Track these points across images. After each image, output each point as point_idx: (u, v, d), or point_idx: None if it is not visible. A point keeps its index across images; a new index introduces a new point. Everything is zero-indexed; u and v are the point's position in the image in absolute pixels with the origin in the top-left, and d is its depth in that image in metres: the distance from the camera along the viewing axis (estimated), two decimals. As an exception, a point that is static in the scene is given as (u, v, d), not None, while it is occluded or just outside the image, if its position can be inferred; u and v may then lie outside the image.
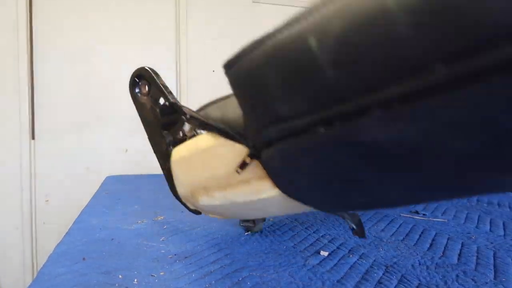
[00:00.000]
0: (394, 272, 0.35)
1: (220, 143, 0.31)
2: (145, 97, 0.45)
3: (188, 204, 0.38)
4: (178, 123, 0.43)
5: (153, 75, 0.44)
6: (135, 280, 0.33)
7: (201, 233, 0.47)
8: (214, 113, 0.34)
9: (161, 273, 0.35)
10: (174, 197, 0.43)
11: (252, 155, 0.28)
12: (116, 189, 0.79)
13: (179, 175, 0.36)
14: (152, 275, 0.34)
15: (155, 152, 0.45)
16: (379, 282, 0.33)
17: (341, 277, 0.34)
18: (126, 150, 1.82)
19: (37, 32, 1.69)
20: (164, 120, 0.44)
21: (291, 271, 0.35)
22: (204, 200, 0.34)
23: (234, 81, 0.25)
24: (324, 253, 0.40)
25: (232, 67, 0.24)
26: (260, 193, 0.30)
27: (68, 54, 1.73)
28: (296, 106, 0.20)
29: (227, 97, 0.37)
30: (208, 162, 0.32)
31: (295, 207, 0.31)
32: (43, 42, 1.70)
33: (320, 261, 0.38)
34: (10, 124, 1.66)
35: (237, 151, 0.29)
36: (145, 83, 0.45)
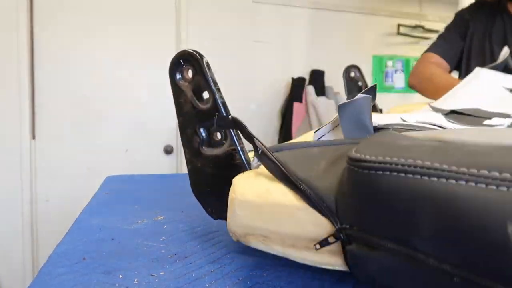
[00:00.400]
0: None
1: (301, 207, 0.29)
2: (186, 84, 0.40)
3: (232, 236, 0.35)
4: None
5: (205, 66, 0.38)
6: (135, 280, 0.34)
7: (201, 233, 0.47)
8: (294, 164, 0.30)
9: (161, 273, 0.35)
10: (193, 196, 0.42)
11: (338, 238, 0.26)
12: (116, 189, 0.79)
13: (240, 215, 0.33)
14: (152, 275, 0.34)
15: (184, 145, 0.41)
16: (379, 281, 0.33)
17: (341, 277, 0.34)
18: (126, 150, 1.82)
19: (37, 32, 1.69)
20: (203, 116, 0.39)
21: (291, 271, 0.35)
22: (258, 246, 0.32)
23: (365, 185, 0.22)
24: (324, 253, 0.40)
25: (368, 168, 0.22)
26: (325, 264, 0.29)
27: (68, 54, 1.73)
28: (442, 253, 0.19)
29: (311, 147, 0.34)
30: (279, 218, 0.30)
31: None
32: (43, 42, 1.70)
33: (320, 261, 0.38)
34: (11, 124, 1.66)
35: (319, 223, 0.27)
36: (189, 67, 0.40)
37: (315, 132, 0.42)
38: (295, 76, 2.03)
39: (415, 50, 2.33)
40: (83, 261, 0.38)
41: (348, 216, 0.25)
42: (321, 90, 2.05)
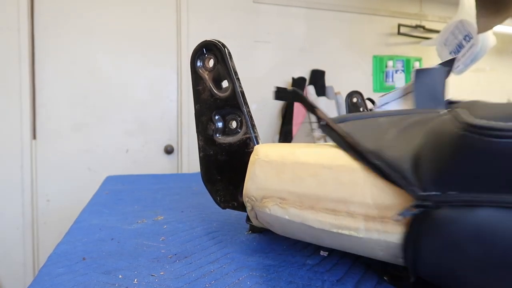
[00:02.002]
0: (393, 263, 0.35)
1: (326, 165, 0.29)
2: (206, 72, 0.42)
3: (247, 204, 0.35)
4: (236, 114, 0.40)
5: (227, 55, 0.40)
6: (135, 280, 0.33)
7: (201, 233, 0.47)
8: (361, 134, 0.30)
9: (161, 273, 0.35)
10: (202, 193, 0.41)
11: (420, 206, 0.25)
12: (116, 189, 0.79)
13: (260, 176, 0.33)
14: (152, 275, 0.34)
15: (198, 131, 0.42)
16: (379, 282, 0.33)
17: (341, 277, 0.34)
18: (127, 150, 1.82)
19: (38, 32, 1.69)
20: (220, 105, 0.40)
21: (291, 271, 0.35)
22: (274, 210, 0.33)
23: (489, 152, 0.22)
24: (324, 253, 0.40)
25: (498, 137, 0.22)
26: (342, 228, 0.29)
27: (69, 54, 1.73)
28: None
29: (377, 117, 0.33)
30: (301, 177, 0.30)
31: (377, 256, 0.30)
32: (44, 43, 1.70)
33: (320, 261, 0.38)
34: (11, 124, 1.66)
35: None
36: (211, 56, 0.41)
37: (380, 97, 0.41)
38: (296, 76, 2.03)
39: (416, 50, 2.32)
40: (83, 261, 0.38)
41: (443, 182, 0.25)
42: (321, 90, 2.05)
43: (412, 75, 0.39)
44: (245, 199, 0.35)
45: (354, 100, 0.80)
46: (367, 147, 0.28)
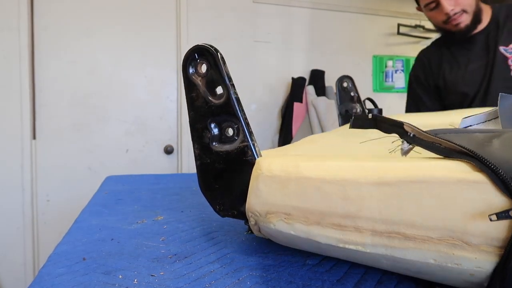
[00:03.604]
0: (394, 272, 0.35)
1: (328, 180, 0.28)
2: (199, 78, 0.40)
3: (251, 219, 0.35)
4: (232, 121, 0.38)
5: (220, 60, 0.38)
6: (135, 280, 0.34)
7: (201, 233, 0.47)
8: (460, 142, 0.28)
9: (161, 273, 0.35)
10: (202, 194, 0.41)
11: None
12: (116, 189, 0.79)
13: (263, 191, 0.32)
14: (152, 275, 0.34)
15: (193, 140, 0.41)
16: (379, 282, 0.33)
17: (341, 277, 0.34)
18: (127, 150, 1.82)
19: (38, 32, 1.69)
20: (216, 112, 0.39)
21: (291, 271, 0.35)
22: (279, 225, 0.32)
23: None
24: (324, 253, 0.40)
25: None
26: (349, 243, 0.28)
27: (69, 54, 1.73)
28: None
29: (471, 133, 0.31)
30: (306, 192, 0.30)
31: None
32: (44, 43, 1.70)
33: (320, 261, 0.38)
34: (11, 124, 1.66)
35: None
36: (203, 62, 0.39)
37: (463, 118, 0.39)
38: (295, 76, 2.03)
39: (415, 50, 2.32)
40: (83, 261, 0.38)
41: None
42: (321, 90, 2.05)
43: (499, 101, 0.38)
44: (248, 214, 0.35)
45: (345, 84, 0.80)
46: (473, 150, 0.26)
